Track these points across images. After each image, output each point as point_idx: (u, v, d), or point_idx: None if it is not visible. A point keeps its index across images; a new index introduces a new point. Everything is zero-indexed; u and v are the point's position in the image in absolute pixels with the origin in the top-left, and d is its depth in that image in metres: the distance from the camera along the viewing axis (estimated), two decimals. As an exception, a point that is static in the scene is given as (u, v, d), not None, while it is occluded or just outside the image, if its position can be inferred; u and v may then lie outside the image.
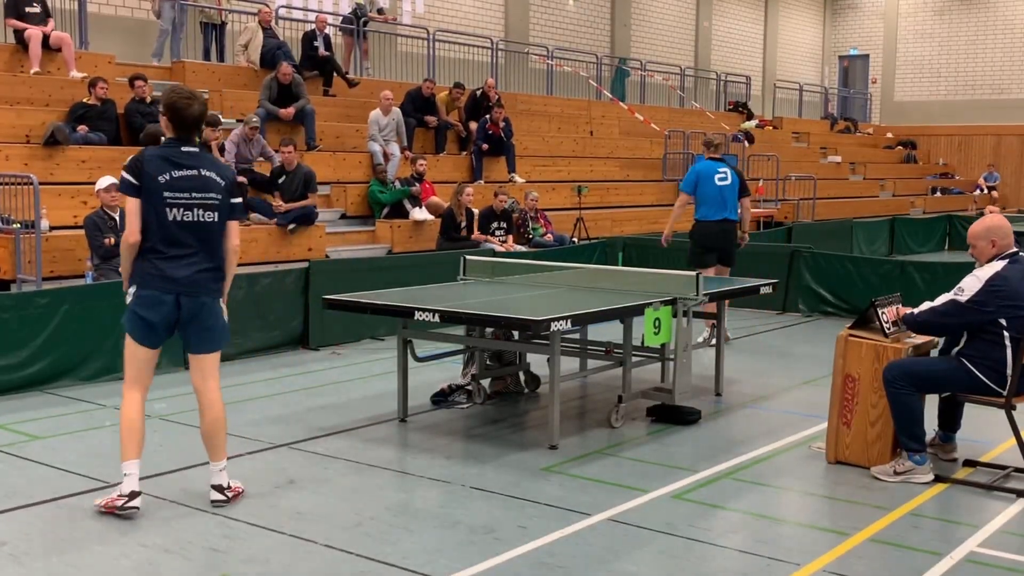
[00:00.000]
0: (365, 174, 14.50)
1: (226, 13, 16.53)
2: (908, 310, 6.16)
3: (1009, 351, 5.79)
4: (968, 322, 5.83)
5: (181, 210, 5.25)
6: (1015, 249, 5.94)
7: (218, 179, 5.36)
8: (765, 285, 8.59)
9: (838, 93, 34.97)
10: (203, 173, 5.32)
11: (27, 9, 12.91)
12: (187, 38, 15.82)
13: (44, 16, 13.06)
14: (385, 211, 13.82)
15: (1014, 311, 5.76)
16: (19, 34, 12.96)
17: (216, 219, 5.34)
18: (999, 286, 5.76)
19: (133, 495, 5.30)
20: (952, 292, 5.92)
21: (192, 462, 6.29)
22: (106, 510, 5.32)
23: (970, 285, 5.82)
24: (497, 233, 13.52)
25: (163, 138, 5.59)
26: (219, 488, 5.56)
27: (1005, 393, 5.85)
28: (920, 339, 6.29)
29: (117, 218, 9.69)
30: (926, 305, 6.03)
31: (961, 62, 33.45)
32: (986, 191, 30.27)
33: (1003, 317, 5.76)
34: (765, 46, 33.59)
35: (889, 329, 6.33)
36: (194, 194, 5.27)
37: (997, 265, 5.85)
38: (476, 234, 13.40)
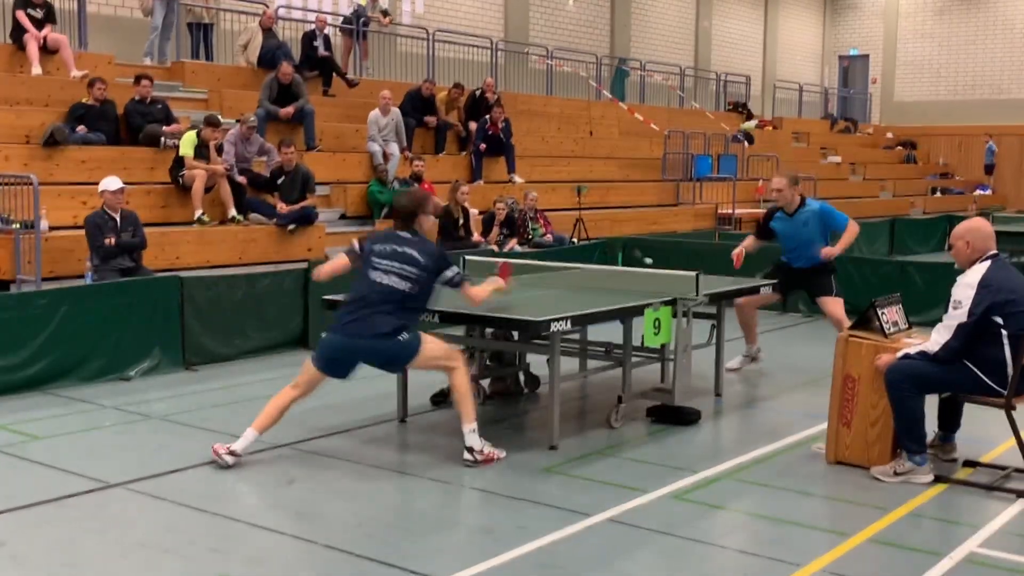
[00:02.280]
0: (365, 174, 14.49)
1: (215, 13, 16.51)
2: (915, 347, 6.06)
3: (1008, 350, 5.79)
4: (980, 330, 5.81)
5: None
6: (995, 251, 6.00)
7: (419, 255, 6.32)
8: (765, 285, 8.58)
9: (838, 93, 34.96)
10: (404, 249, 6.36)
11: (29, 11, 12.90)
12: (179, 37, 15.80)
13: (43, 22, 13.04)
14: (384, 211, 13.82)
15: (1010, 307, 5.77)
16: (17, 36, 12.95)
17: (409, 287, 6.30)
18: (990, 285, 5.80)
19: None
20: (950, 312, 5.87)
21: (192, 462, 6.29)
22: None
23: (964, 295, 5.82)
24: (499, 239, 13.58)
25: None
26: (468, 449, 6.27)
27: (1006, 393, 5.85)
28: (920, 339, 6.28)
29: (118, 219, 9.69)
30: (935, 339, 5.92)
31: (961, 62, 33.45)
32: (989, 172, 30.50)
33: (998, 315, 5.77)
34: (765, 46, 33.58)
35: (889, 329, 6.34)
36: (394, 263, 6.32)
37: (982, 267, 5.90)
38: (477, 236, 13.42)
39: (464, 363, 6.51)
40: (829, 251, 8.85)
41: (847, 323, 8.53)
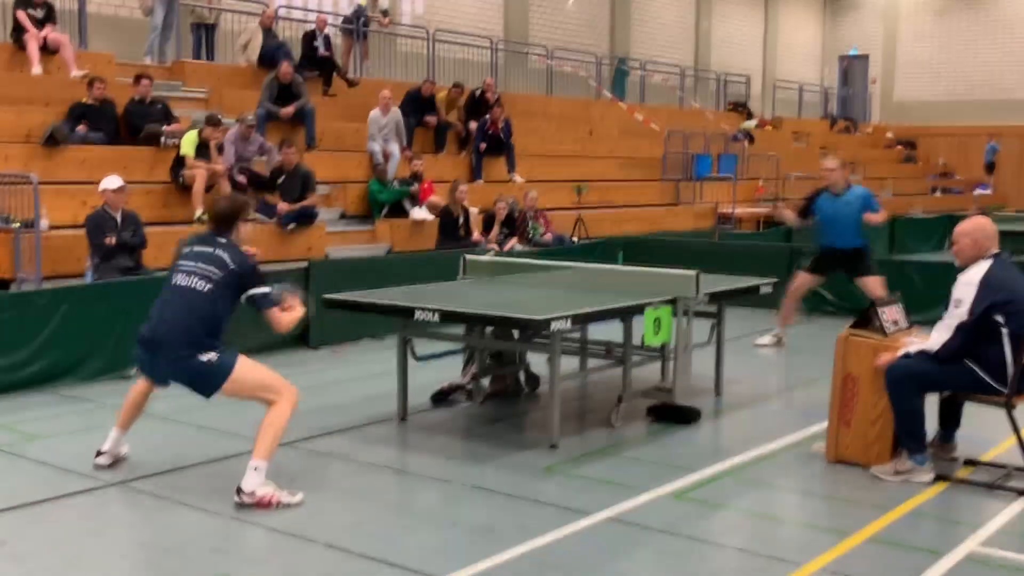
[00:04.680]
0: (365, 174, 14.48)
1: (217, 13, 16.51)
2: (916, 346, 6.05)
3: (1008, 349, 5.79)
4: (981, 329, 5.81)
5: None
6: (996, 250, 6.00)
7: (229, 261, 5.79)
8: (765, 285, 8.58)
9: (838, 93, 34.95)
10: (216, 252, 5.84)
11: (29, 11, 12.90)
12: (180, 37, 15.79)
13: (44, 22, 13.04)
14: (384, 211, 13.83)
15: (1010, 306, 5.77)
16: (17, 35, 12.96)
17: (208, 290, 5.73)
18: (992, 283, 5.80)
19: None
20: (951, 311, 5.87)
21: (192, 462, 6.30)
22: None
23: (966, 294, 5.82)
24: (499, 239, 13.57)
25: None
26: (238, 490, 5.56)
27: (1006, 392, 5.84)
28: (920, 338, 6.28)
29: (118, 218, 9.69)
30: (935, 338, 5.93)
31: (961, 62, 33.43)
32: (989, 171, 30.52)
33: (1000, 314, 5.77)
34: (765, 46, 33.56)
35: (889, 329, 6.33)
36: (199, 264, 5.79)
37: (983, 265, 5.90)
38: (477, 235, 13.42)
39: (295, 397, 5.78)
40: (872, 216, 9.67)
41: None
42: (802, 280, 10.05)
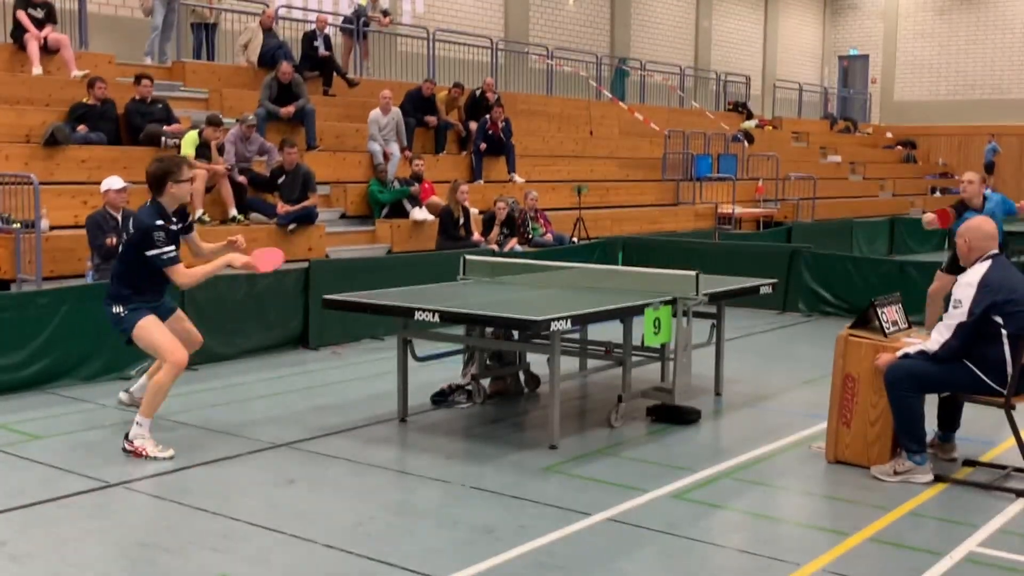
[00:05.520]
0: (365, 174, 14.49)
1: (218, 13, 16.52)
2: (915, 346, 6.06)
3: (1008, 349, 5.80)
4: (980, 329, 5.82)
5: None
6: (995, 251, 6.02)
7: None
8: (765, 285, 8.58)
9: (838, 93, 34.97)
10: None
11: (30, 11, 12.92)
12: (180, 37, 15.80)
13: (44, 22, 13.05)
14: (385, 211, 13.83)
15: (1010, 307, 5.78)
16: (18, 36, 12.97)
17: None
18: (991, 284, 5.81)
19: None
20: (950, 311, 5.88)
21: (192, 462, 6.30)
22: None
23: (965, 294, 5.83)
24: (499, 239, 13.58)
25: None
26: (126, 436, 6.40)
27: (1005, 392, 5.85)
28: (919, 338, 6.29)
29: (119, 218, 9.69)
30: (934, 338, 5.94)
31: (961, 62, 33.44)
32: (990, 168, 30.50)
33: (999, 315, 5.77)
34: (765, 46, 33.58)
35: (889, 329, 6.34)
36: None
37: (982, 267, 5.92)
38: (477, 235, 13.42)
39: (177, 363, 6.35)
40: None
41: None
42: (943, 281, 9.50)
